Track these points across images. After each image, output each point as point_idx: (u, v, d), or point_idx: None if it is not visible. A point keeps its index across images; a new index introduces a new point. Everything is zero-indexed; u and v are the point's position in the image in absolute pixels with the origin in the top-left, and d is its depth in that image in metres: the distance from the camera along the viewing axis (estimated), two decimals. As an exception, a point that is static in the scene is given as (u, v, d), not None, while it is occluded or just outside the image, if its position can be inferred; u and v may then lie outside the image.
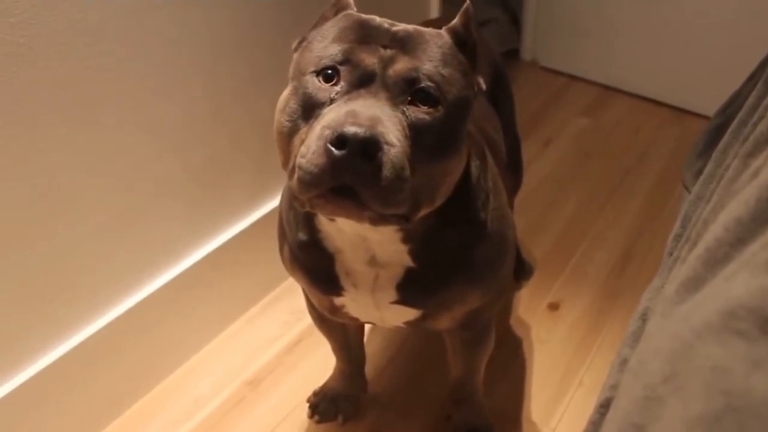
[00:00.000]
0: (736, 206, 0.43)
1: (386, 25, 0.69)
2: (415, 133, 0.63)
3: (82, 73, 0.95)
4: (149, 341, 1.19)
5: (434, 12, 1.70)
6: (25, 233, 0.95)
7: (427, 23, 1.31)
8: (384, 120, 0.61)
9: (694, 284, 0.43)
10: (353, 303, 0.85)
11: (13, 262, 0.95)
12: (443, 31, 0.72)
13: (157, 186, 1.13)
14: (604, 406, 0.52)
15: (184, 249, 1.23)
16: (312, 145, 0.60)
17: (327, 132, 0.59)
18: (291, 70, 0.72)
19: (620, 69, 2.16)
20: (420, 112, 0.64)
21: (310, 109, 0.64)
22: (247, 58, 1.21)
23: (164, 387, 1.24)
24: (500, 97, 1.20)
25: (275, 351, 1.30)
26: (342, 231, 0.75)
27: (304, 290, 0.98)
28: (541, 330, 1.33)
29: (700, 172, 0.75)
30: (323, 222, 0.77)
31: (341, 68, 0.64)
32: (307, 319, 1.36)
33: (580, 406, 1.17)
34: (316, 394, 1.18)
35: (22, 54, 0.87)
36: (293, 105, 0.66)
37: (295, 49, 0.75)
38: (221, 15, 1.14)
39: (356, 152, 0.57)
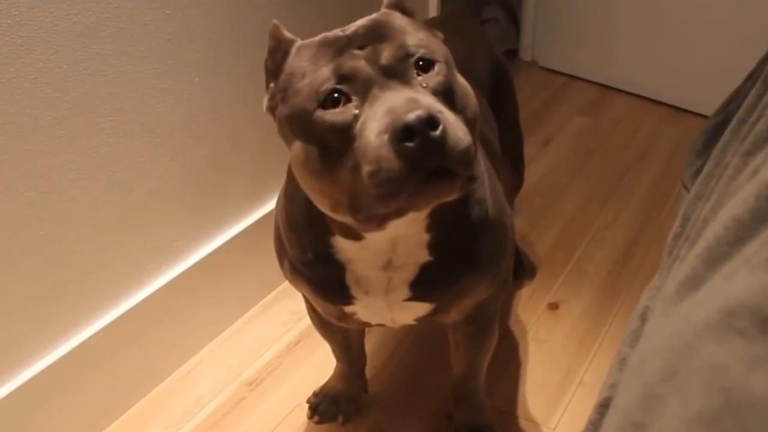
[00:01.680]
0: (736, 205, 0.43)
1: (341, 32, 0.68)
2: (439, 95, 0.63)
3: (80, 73, 0.95)
4: (150, 342, 1.19)
5: (433, 10, 1.71)
6: (25, 235, 0.95)
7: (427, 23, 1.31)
8: (419, 97, 0.60)
9: (694, 283, 0.43)
10: (364, 309, 0.85)
11: (12, 264, 0.95)
12: (388, 10, 0.73)
13: (157, 187, 1.13)
14: (603, 406, 0.52)
15: (184, 250, 1.23)
16: (378, 156, 0.58)
17: (385, 136, 0.57)
18: (285, 124, 0.69)
19: (619, 68, 2.16)
20: (430, 78, 0.64)
21: (339, 138, 0.62)
22: (246, 58, 1.21)
23: (164, 387, 1.24)
24: (502, 94, 1.20)
25: (275, 351, 1.30)
26: (369, 243, 0.74)
27: (304, 295, 0.97)
28: (541, 329, 1.32)
29: (699, 170, 0.75)
30: (339, 239, 0.75)
31: (342, 86, 0.63)
32: (307, 320, 1.36)
33: (580, 405, 1.17)
34: (316, 394, 1.18)
35: (20, 54, 0.87)
36: (315, 148, 0.64)
37: (271, 107, 0.72)
38: (220, 15, 1.14)
39: (426, 133, 0.56)
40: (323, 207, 0.68)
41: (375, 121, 0.59)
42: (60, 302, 1.04)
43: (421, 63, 0.64)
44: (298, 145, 0.66)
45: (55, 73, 0.92)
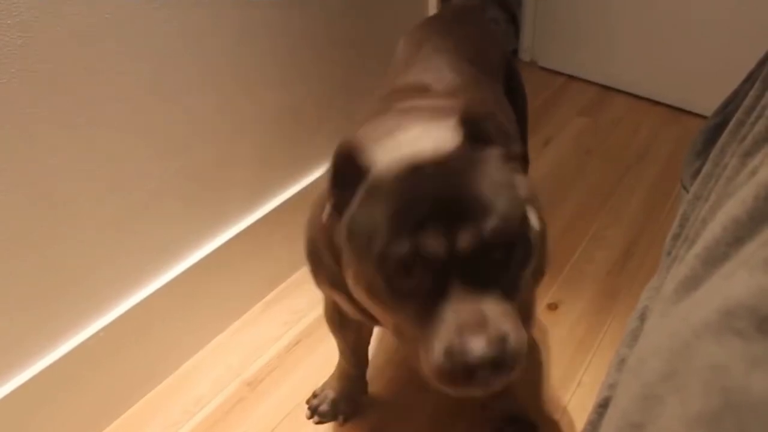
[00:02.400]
0: (734, 205, 0.43)
1: (418, 182, 0.64)
2: (508, 288, 0.65)
3: (80, 74, 0.95)
4: (149, 341, 1.19)
5: (432, 5, 1.70)
6: (25, 235, 0.95)
7: (430, 20, 1.31)
8: (488, 313, 0.62)
9: (693, 283, 0.43)
10: None
11: (12, 263, 0.95)
12: (467, 149, 0.67)
13: (157, 187, 1.13)
14: (602, 406, 0.52)
15: (185, 249, 1.23)
16: (440, 369, 0.62)
17: (450, 361, 0.61)
18: (346, 250, 0.69)
19: (619, 69, 2.16)
20: (504, 272, 0.65)
21: (401, 296, 0.64)
22: (247, 58, 1.21)
23: (164, 387, 1.24)
24: (512, 87, 1.21)
25: (275, 351, 1.30)
26: None
27: (330, 298, 0.96)
28: (540, 330, 1.33)
29: (698, 171, 0.75)
30: None
31: (413, 261, 0.63)
32: (307, 320, 1.37)
33: (579, 405, 1.17)
34: (316, 395, 1.18)
35: (20, 55, 0.87)
36: (379, 287, 0.65)
37: (331, 219, 0.71)
38: (221, 15, 1.14)
39: (486, 370, 0.60)
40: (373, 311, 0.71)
41: (442, 323, 0.62)
42: (60, 302, 1.04)
43: (497, 254, 0.64)
44: (362, 269, 0.67)
45: (55, 74, 0.92)
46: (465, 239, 0.62)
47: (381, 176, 0.66)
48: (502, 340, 0.61)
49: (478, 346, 0.60)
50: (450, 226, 0.62)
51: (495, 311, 0.63)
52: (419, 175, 0.64)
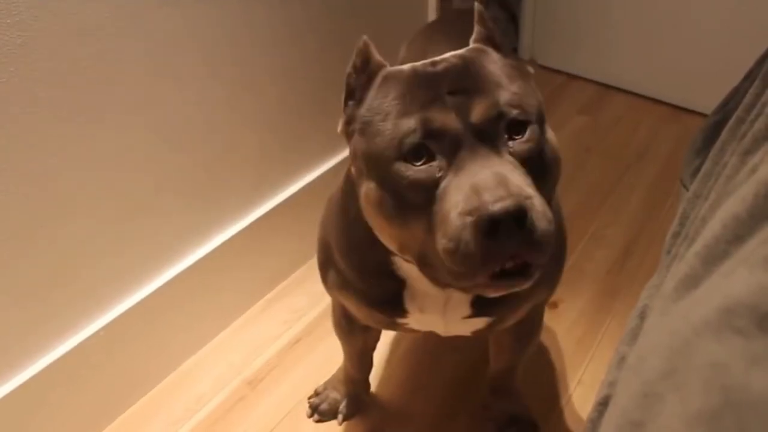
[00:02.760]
0: (734, 203, 0.43)
1: (432, 68, 0.64)
2: (527, 163, 0.61)
3: (80, 72, 0.95)
4: (150, 340, 1.19)
5: (432, 10, 1.70)
6: (26, 233, 0.95)
7: (432, 25, 1.31)
8: (507, 175, 0.57)
9: (693, 281, 0.43)
10: (418, 322, 0.84)
11: (12, 263, 0.95)
12: (480, 46, 0.68)
13: (157, 185, 1.13)
14: (602, 404, 0.52)
15: (185, 248, 1.23)
16: (458, 237, 0.55)
17: (470, 219, 0.55)
18: (359, 158, 0.66)
19: (618, 67, 2.16)
20: (521, 143, 0.61)
21: (418, 195, 0.59)
22: (248, 55, 1.21)
23: (165, 385, 1.24)
24: None
25: (276, 349, 1.30)
26: None
27: (338, 303, 0.96)
28: (540, 328, 1.33)
29: (698, 169, 0.75)
30: (401, 260, 0.73)
31: (428, 142, 0.60)
32: (308, 318, 1.37)
33: (579, 404, 1.17)
34: (318, 393, 1.18)
35: (20, 54, 0.87)
36: (391, 196, 0.61)
37: (347, 133, 0.69)
38: (221, 15, 1.14)
39: (511, 230, 0.54)
40: (389, 245, 0.67)
41: (459, 194, 0.57)
42: (61, 300, 1.04)
43: (512, 125, 0.61)
44: (372, 186, 0.64)
45: (55, 72, 0.92)
46: (478, 111, 0.60)
47: (396, 69, 0.67)
48: (526, 197, 0.55)
49: (498, 197, 0.54)
50: (463, 102, 0.61)
51: (517, 177, 0.57)
52: (434, 63, 0.65)
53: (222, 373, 1.26)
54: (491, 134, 0.60)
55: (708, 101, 1.14)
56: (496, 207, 0.53)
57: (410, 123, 0.60)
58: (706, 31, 1.94)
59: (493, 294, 0.62)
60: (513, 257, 0.57)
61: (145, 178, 1.10)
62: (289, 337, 1.33)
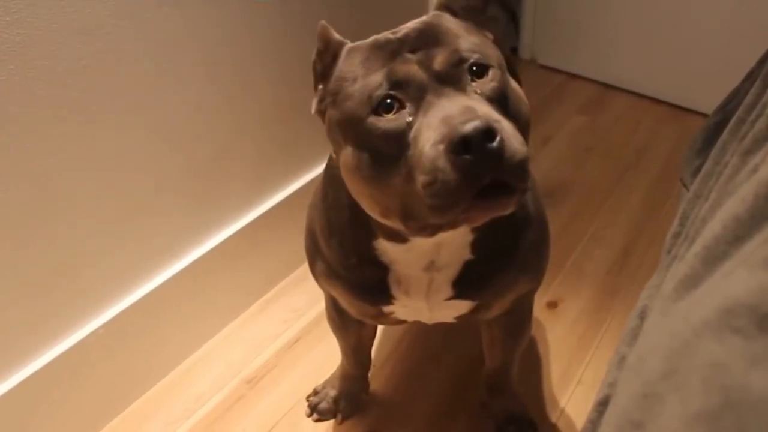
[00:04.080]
0: (734, 203, 0.43)
1: (393, 35, 0.67)
2: (494, 102, 0.62)
3: (79, 71, 0.95)
4: (150, 339, 1.19)
5: (432, 8, 1.70)
6: (26, 231, 0.95)
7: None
8: (474, 105, 0.59)
9: (693, 282, 0.43)
10: (404, 309, 0.85)
11: (12, 262, 0.95)
12: (438, 12, 0.72)
13: (156, 185, 1.13)
14: (602, 404, 0.52)
15: (184, 247, 1.23)
16: (434, 167, 0.57)
17: (442, 147, 0.56)
18: (335, 128, 0.68)
19: (618, 67, 2.16)
20: (485, 84, 0.63)
21: (392, 145, 0.61)
22: (247, 55, 1.21)
23: (164, 384, 1.24)
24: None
25: (275, 349, 1.30)
26: (414, 245, 0.73)
27: (329, 296, 0.97)
28: (539, 328, 1.33)
29: (698, 169, 0.75)
30: (382, 242, 0.75)
31: (395, 92, 0.62)
32: (307, 318, 1.37)
33: (579, 404, 1.17)
34: (316, 392, 1.18)
35: (19, 53, 0.87)
36: (368, 154, 0.63)
37: (320, 110, 0.72)
38: (221, 14, 1.14)
39: (483, 145, 0.55)
40: (373, 212, 0.68)
41: (430, 129, 0.58)
42: (59, 300, 1.04)
43: (474, 68, 0.63)
44: (349, 151, 0.65)
45: (55, 70, 0.92)
46: (440, 59, 0.63)
47: (358, 42, 0.70)
48: (495, 120, 0.57)
49: (467, 119, 0.55)
50: (425, 54, 0.63)
51: (484, 107, 0.59)
52: (394, 32, 0.68)
53: (221, 372, 1.26)
54: (455, 78, 0.62)
55: (708, 101, 1.15)
56: (465, 126, 0.55)
57: (377, 78, 0.63)
58: (706, 31, 1.93)
59: (480, 218, 0.63)
60: (492, 179, 0.58)
61: (144, 177, 1.10)
62: (288, 336, 1.33)
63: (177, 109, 1.12)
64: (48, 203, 0.97)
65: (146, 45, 1.03)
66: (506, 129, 0.58)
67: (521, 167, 0.58)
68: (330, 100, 0.69)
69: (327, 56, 0.71)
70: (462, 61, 0.63)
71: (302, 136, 1.41)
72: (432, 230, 0.63)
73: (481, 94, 0.62)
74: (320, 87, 0.72)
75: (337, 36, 0.71)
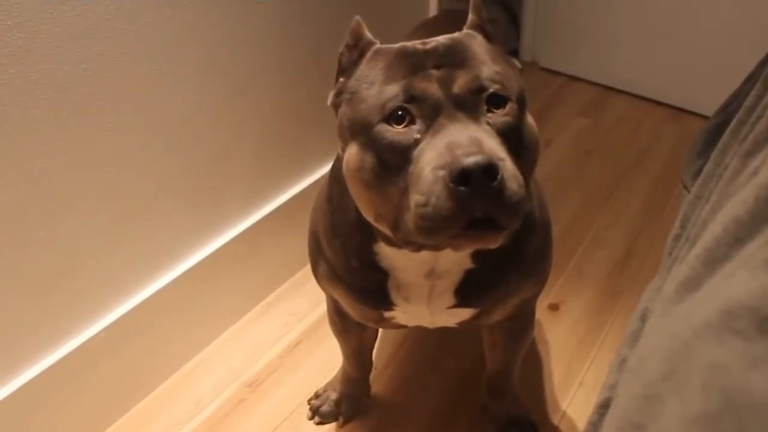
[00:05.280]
0: (735, 205, 0.43)
1: (421, 46, 0.67)
2: (504, 137, 0.63)
3: (80, 74, 0.95)
4: (150, 342, 1.19)
5: (433, 8, 1.70)
6: (25, 235, 0.96)
7: (426, 22, 1.32)
8: (482, 138, 0.59)
9: (694, 284, 0.43)
10: (405, 314, 0.85)
11: (12, 264, 0.95)
12: (471, 31, 0.71)
13: (157, 188, 1.13)
14: (603, 406, 0.52)
15: (185, 251, 1.23)
16: (430, 190, 0.58)
17: (442, 173, 0.57)
18: (345, 126, 0.69)
19: (619, 69, 2.16)
20: (499, 116, 0.63)
21: (396, 157, 0.62)
22: (247, 56, 1.21)
23: (165, 388, 1.24)
24: None
25: (275, 352, 1.30)
26: (409, 253, 0.73)
27: (331, 298, 0.97)
28: (541, 330, 1.32)
29: (699, 171, 0.75)
30: (383, 246, 0.75)
31: (409, 106, 0.62)
32: (307, 321, 1.37)
33: (580, 406, 1.17)
34: (318, 395, 1.18)
35: (20, 56, 0.87)
36: (371, 159, 0.64)
37: (335, 104, 0.72)
38: (221, 16, 1.14)
39: (481, 182, 0.56)
40: (367, 214, 0.69)
41: (434, 152, 0.59)
42: (61, 303, 1.04)
43: (493, 99, 0.63)
44: (354, 150, 0.66)
45: (55, 74, 0.92)
46: (460, 82, 0.63)
47: (387, 45, 0.70)
48: (499, 158, 0.57)
49: (471, 152, 0.56)
50: (446, 74, 0.64)
51: (491, 142, 0.60)
52: (424, 42, 0.68)
53: (222, 376, 1.26)
54: (471, 105, 0.63)
55: (709, 102, 1.15)
56: (468, 159, 0.56)
57: (394, 89, 0.63)
58: (706, 32, 1.94)
59: (464, 247, 0.65)
60: (484, 214, 0.58)
61: (145, 180, 1.10)
62: (289, 339, 1.33)
63: (177, 111, 1.12)
64: (49, 206, 0.97)
65: (146, 47, 1.03)
66: (508, 169, 0.58)
67: (515, 209, 0.59)
68: (347, 97, 0.70)
69: (355, 52, 0.72)
70: (482, 89, 0.63)
71: (302, 140, 1.41)
72: (416, 247, 0.64)
73: (492, 126, 0.62)
74: (341, 80, 0.73)
75: (368, 34, 0.72)
